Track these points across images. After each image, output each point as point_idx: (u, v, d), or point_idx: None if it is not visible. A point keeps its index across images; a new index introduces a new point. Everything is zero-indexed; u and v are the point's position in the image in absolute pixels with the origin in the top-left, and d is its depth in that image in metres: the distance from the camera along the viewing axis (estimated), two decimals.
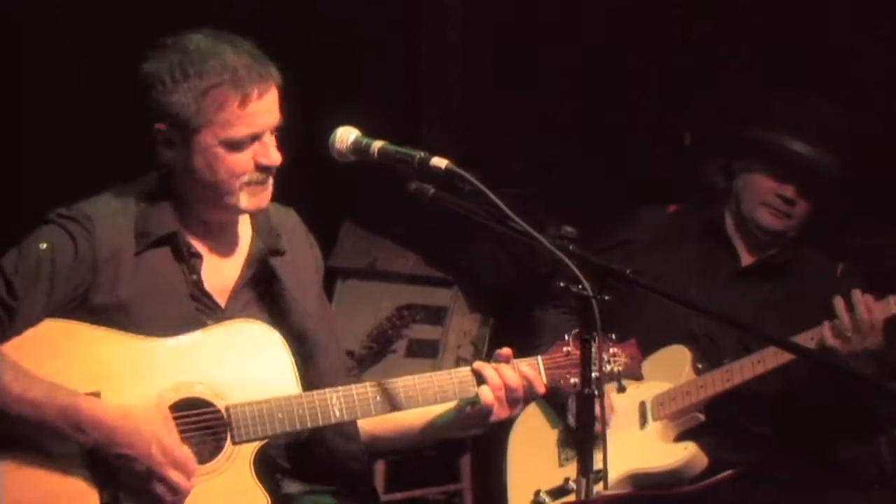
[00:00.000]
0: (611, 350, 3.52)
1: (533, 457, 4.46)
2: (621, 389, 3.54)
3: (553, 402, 4.44)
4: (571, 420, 4.35)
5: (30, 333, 3.27)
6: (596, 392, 3.12)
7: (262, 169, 3.37)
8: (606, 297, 3.09)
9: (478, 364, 3.45)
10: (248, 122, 3.32)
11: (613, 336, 3.50)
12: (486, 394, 3.40)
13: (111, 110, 4.95)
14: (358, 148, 3.29)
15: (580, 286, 3.07)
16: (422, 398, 3.41)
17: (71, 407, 3.18)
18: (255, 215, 3.50)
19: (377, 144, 3.27)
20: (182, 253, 3.40)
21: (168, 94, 3.29)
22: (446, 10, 6.13)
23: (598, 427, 3.10)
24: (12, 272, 3.28)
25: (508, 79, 5.99)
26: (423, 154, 3.19)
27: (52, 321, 3.29)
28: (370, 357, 5.83)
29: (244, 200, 3.38)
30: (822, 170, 4.38)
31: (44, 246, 3.30)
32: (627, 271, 3.27)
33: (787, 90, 4.63)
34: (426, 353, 5.80)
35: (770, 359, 4.17)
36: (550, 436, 4.45)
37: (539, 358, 3.49)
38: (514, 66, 5.98)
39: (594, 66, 5.80)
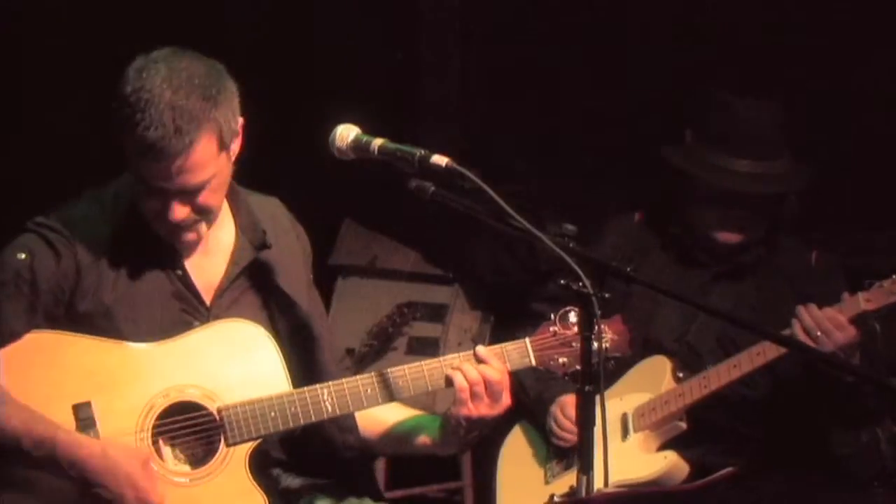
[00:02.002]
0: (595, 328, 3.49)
1: (520, 478, 4.47)
2: (609, 363, 3.50)
3: (537, 420, 4.44)
4: (553, 438, 4.35)
5: (17, 346, 3.24)
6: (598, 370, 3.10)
7: (165, 224, 3.30)
8: (606, 295, 3.09)
9: (455, 362, 3.41)
10: (145, 179, 3.26)
11: (598, 313, 3.45)
12: (460, 387, 3.37)
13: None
14: (358, 146, 3.29)
15: (580, 283, 3.07)
16: (413, 387, 3.40)
17: (47, 439, 3.16)
18: (238, 212, 3.48)
19: (377, 142, 3.26)
20: (165, 254, 3.38)
21: (114, 123, 3.24)
22: (446, 8, 6.13)
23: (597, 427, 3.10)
24: None
25: (508, 77, 5.99)
26: (423, 152, 3.18)
27: (38, 333, 3.27)
28: (371, 355, 5.83)
29: (177, 240, 3.36)
30: (768, 188, 4.34)
31: (22, 256, 3.29)
32: (628, 269, 3.27)
33: (714, 96, 4.49)
34: (427, 350, 5.80)
35: (745, 362, 4.16)
36: (536, 455, 4.46)
37: (527, 340, 3.48)
38: (513, 64, 5.98)
39: (595, 64, 5.80)
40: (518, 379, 4.47)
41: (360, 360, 5.74)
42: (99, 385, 3.24)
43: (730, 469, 4.32)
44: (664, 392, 4.30)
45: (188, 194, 3.26)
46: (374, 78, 5.94)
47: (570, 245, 3.12)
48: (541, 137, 5.91)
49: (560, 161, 5.84)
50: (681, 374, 4.32)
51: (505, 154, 5.87)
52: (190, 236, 3.35)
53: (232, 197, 3.47)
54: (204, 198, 3.28)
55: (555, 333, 3.47)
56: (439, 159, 3.16)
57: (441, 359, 3.44)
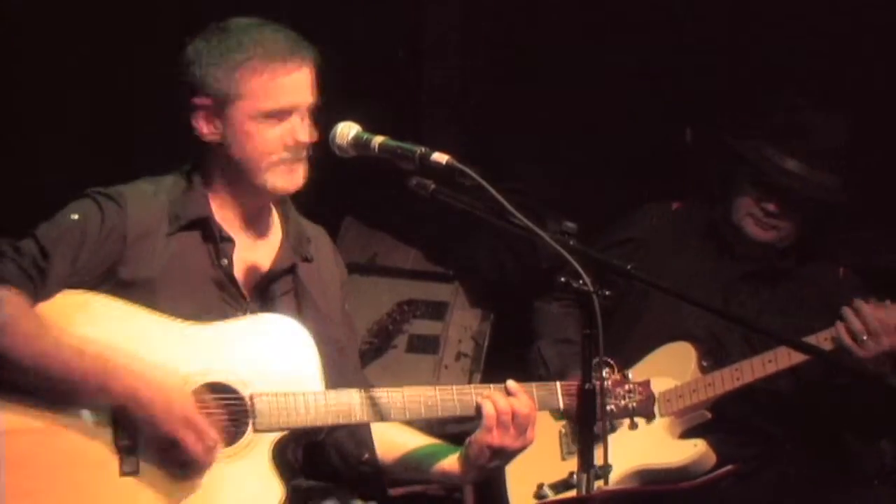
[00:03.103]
0: (626, 386, 3.55)
1: (534, 450, 4.45)
2: (633, 426, 3.57)
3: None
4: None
5: (63, 302, 3.29)
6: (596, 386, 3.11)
7: (290, 148, 3.40)
8: (607, 293, 3.10)
9: (487, 392, 3.44)
10: (278, 96, 3.39)
11: (630, 374, 3.53)
12: (487, 414, 3.40)
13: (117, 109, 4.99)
14: (359, 143, 3.30)
15: (581, 281, 3.07)
16: (441, 408, 3.43)
17: (103, 355, 3.21)
18: (287, 220, 3.55)
19: (378, 140, 3.28)
20: (213, 236, 3.44)
21: (206, 68, 3.39)
22: (447, 6, 6.13)
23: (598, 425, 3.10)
24: (43, 236, 3.32)
25: (509, 75, 5.99)
26: (423, 149, 3.19)
27: (86, 294, 3.32)
28: (371, 352, 5.83)
29: (271, 181, 3.42)
30: (808, 191, 4.36)
31: (76, 216, 3.36)
32: (628, 267, 3.27)
33: (787, 98, 4.58)
34: (427, 348, 5.80)
35: (783, 358, 4.16)
36: (552, 429, 4.44)
37: (557, 384, 3.51)
38: (514, 62, 5.98)
39: (596, 63, 5.80)
40: (539, 352, 4.50)
41: (361, 358, 5.73)
42: (140, 352, 3.27)
43: (730, 466, 4.33)
44: (692, 380, 4.29)
45: (308, 116, 3.42)
46: (374, 75, 5.94)
47: (571, 242, 3.12)
48: (541, 136, 5.90)
49: (561, 159, 5.84)
50: (705, 363, 4.32)
51: (505, 152, 5.86)
52: (297, 175, 3.43)
53: (282, 203, 3.57)
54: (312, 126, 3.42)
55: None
56: (440, 157, 3.16)
57: (473, 386, 3.48)
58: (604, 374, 3.32)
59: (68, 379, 3.19)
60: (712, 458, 4.25)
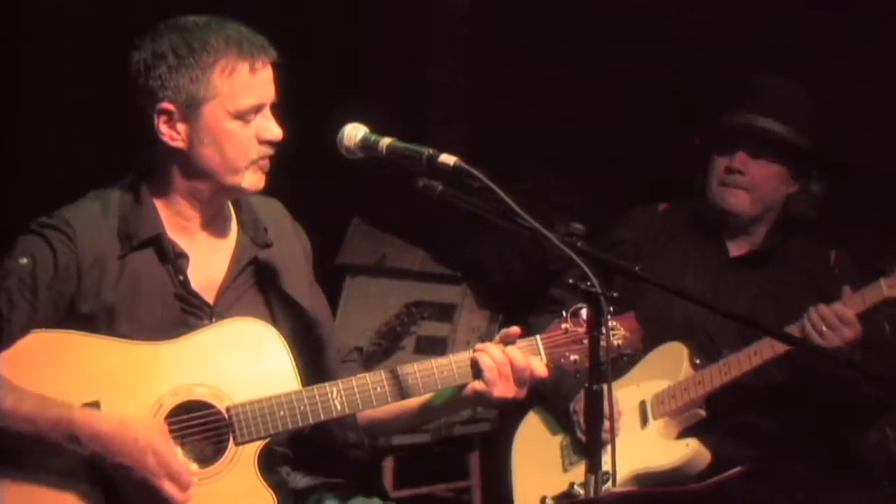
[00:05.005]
0: (609, 323, 3.46)
1: (536, 463, 4.47)
2: (622, 360, 3.53)
3: (555, 408, 4.44)
4: (580, 434, 4.35)
5: (23, 345, 3.23)
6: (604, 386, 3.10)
7: (265, 144, 3.36)
8: (615, 294, 3.09)
9: (479, 345, 3.42)
10: (255, 92, 3.33)
11: (611, 309, 3.45)
12: (487, 367, 3.37)
13: (99, 111, 4.97)
14: (366, 145, 3.28)
15: (589, 283, 3.06)
16: (423, 386, 3.39)
17: (63, 418, 3.15)
18: (240, 210, 3.49)
19: (385, 141, 3.26)
20: (167, 254, 3.37)
21: (172, 70, 3.29)
22: (453, 7, 6.12)
23: (606, 426, 3.09)
24: None
25: (515, 77, 5.99)
26: (431, 151, 3.18)
27: (46, 332, 3.26)
28: (379, 354, 5.84)
29: (247, 180, 3.36)
30: (757, 135, 4.38)
31: (24, 261, 3.28)
32: (636, 268, 3.26)
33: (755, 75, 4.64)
34: (435, 349, 5.81)
35: (766, 350, 4.17)
36: (553, 442, 4.45)
37: (538, 337, 3.47)
38: (520, 63, 5.97)
39: (598, 62, 5.80)
40: None
41: (368, 360, 5.75)
42: (108, 385, 3.23)
43: (738, 468, 4.32)
44: (683, 379, 4.30)
45: (273, 112, 3.37)
46: (382, 77, 5.94)
47: (579, 244, 3.12)
48: (549, 137, 5.90)
49: (568, 160, 5.84)
50: (698, 361, 4.32)
51: (513, 153, 5.86)
52: (264, 175, 3.39)
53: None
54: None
55: (566, 331, 3.46)
56: (447, 158, 3.15)
57: (451, 356, 3.43)
58: (582, 314, 3.30)
59: (36, 436, 3.15)
60: (706, 457, 4.24)
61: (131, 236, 3.35)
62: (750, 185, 4.42)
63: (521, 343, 3.45)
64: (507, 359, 3.38)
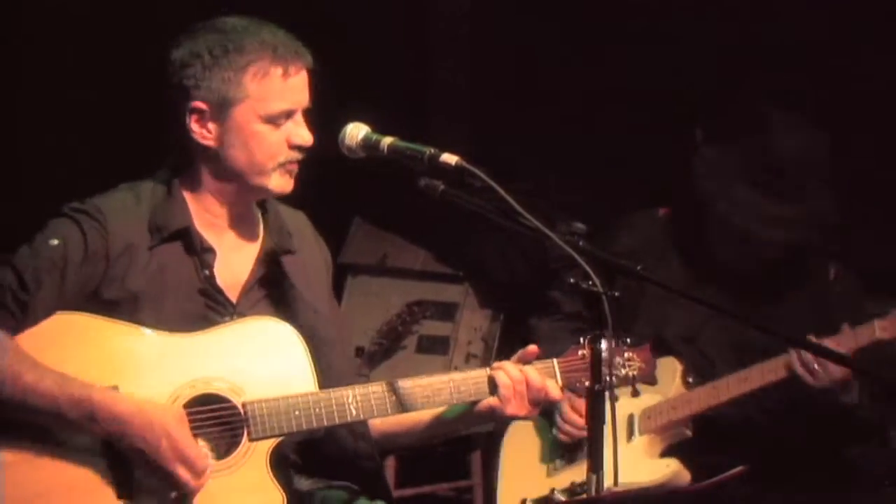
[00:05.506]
0: (626, 354, 3.52)
1: (522, 466, 4.47)
2: (635, 394, 3.55)
3: (543, 411, 4.44)
4: (556, 431, 4.35)
5: (47, 326, 3.27)
6: (607, 392, 3.11)
7: (295, 149, 3.40)
8: (617, 294, 3.09)
9: (497, 364, 3.45)
10: (286, 97, 3.37)
11: (628, 340, 3.50)
12: (503, 384, 3.40)
13: (114, 109, 4.98)
14: (368, 144, 3.29)
15: (590, 283, 3.07)
16: (437, 399, 3.41)
17: (84, 398, 3.18)
18: (267, 215, 3.52)
19: (387, 141, 3.27)
20: (195, 248, 3.41)
21: (206, 70, 3.34)
22: (455, 6, 6.13)
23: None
24: (24, 267, 3.29)
25: (515, 76, 5.99)
26: (433, 150, 3.19)
27: (70, 314, 3.29)
28: (380, 353, 5.84)
29: (274, 182, 3.40)
30: (792, 233, 4.31)
31: (55, 242, 3.32)
32: (638, 268, 3.27)
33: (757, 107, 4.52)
34: (436, 349, 5.80)
35: (755, 377, 4.16)
36: (540, 446, 4.46)
37: (554, 360, 3.49)
38: (520, 63, 5.98)
39: (598, 62, 5.80)
40: None
41: (370, 359, 5.75)
42: (127, 370, 3.26)
43: (739, 468, 4.32)
44: (673, 396, 4.29)
45: (305, 117, 3.39)
46: (383, 76, 5.94)
47: (581, 243, 3.12)
48: (549, 136, 5.90)
49: (569, 160, 5.84)
50: (690, 379, 4.31)
51: (514, 153, 5.86)
52: (292, 178, 3.42)
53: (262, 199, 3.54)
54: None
55: (583, 357, 3.46)
56: (449, 158, 3.16)
57: (467, 372, 3.45)
58: (602, 345, 3.27)
59: (56, 413, 3.18)
60: (686, 478, 4.23)
61: (161, 228, 3.39)
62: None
63: (539, 365, 3.47)
64: (524, 377, 3.41)
